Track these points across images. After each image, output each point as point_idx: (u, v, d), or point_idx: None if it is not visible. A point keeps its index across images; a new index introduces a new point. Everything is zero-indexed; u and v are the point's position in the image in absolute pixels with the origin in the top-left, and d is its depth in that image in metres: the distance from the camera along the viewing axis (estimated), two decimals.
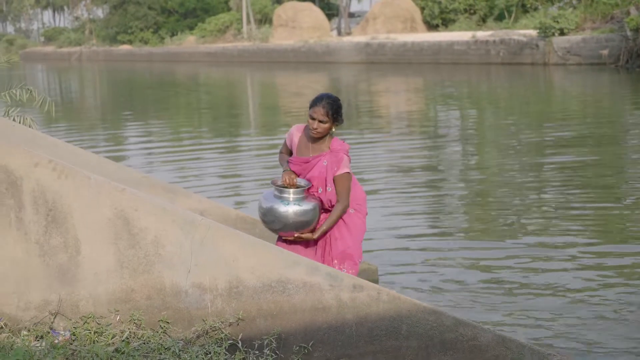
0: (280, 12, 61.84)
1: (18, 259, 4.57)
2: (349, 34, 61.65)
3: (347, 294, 4.78)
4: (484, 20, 52.17)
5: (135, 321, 4.65)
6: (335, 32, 65.17)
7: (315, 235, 5.62)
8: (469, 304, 6.51)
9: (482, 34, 42.51)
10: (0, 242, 4.55)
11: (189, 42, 72.03)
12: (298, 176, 5.70)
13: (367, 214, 5.85)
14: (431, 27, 55.85)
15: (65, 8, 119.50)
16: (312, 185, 5.65)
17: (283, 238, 5.73)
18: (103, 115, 27.20)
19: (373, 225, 9.02)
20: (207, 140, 18.57)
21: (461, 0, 53.38)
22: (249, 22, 66.88)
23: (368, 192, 11.11)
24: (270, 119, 23.31)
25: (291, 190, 5.61)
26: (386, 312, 4.75)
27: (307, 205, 5.59)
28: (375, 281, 6.81)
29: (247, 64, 55.80)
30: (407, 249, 8.26)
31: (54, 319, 4.60)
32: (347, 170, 5.61)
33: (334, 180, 5.61)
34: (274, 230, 5.69)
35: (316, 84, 34.76)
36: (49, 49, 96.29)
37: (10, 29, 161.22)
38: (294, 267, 4.82)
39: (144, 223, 4.67)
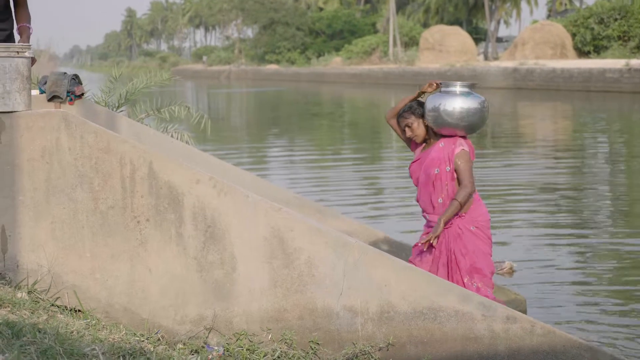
0: (428, 35, 61.78)
1: (177, 274, 4.68)
2: (496, 58, 60.96)
3: (500, 325, 4.68)
4: (639, 48, 50.58)
5: (287, 341, 4.69)
6: (482, 57, 64.58)
7: (442, 223, 5.32)
8: (625, 340, 6.26)
9: (636, 62, 41.20)
10: (160, 256, 4.66)
11: (335, 63, 72.85)
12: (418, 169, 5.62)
13: (490, 239, 5.64)
14: (582, 53, 54.56)
15: (217, 27, 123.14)
16: (432, 166, 5.50)
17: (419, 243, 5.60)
18: (249, 132, 27.76)
19: (518, 252, 8.85)
20: (350, 159, 18.66)
21: (615, 27, 51.97)
22: (395, 44, 67.12)
23: (511, 215, 10.99)
24: None
25: (458, 82, 5.45)
26: (540, 347, 4.63)
27: (473, 102, 5.38)
28: (524, 312, 6.63)
29: (392, 86, 55.88)
30: (555, 278, 8.02)
31: (208, 334, 4.68)
32: (464, 148, 5.44)
33: (454, 163, 5.43)
34: (444, 127, 5.47)
35: None
36: (199, 66, 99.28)
37: (164, 46, 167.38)
38: (446, 294, 4.76)
39: (299, 243, 4.71)
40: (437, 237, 5.35)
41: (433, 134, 5.62)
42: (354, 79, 63.45)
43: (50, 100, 6.79)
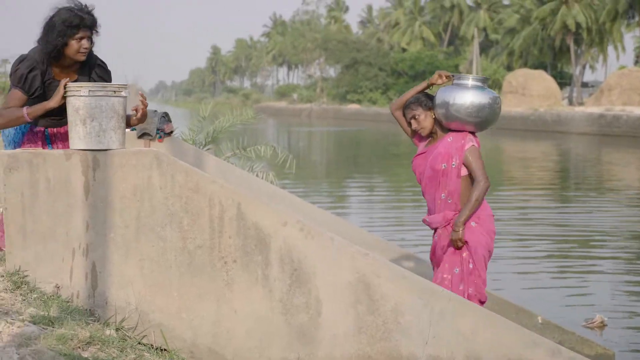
0: (511, 79, 61.28)
1: (262, 315, 4.67)
2: (581, 104, 60.14)
3: None
4: None
5: None
6: (566, 102, 63.76)
7: (460, 224, 5.32)
8: None
9: None
10: (247, 297, 4.66)
11: None
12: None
13: (494, 232, 5.55)
14: None
15: (300, 66, 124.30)
16: (438, 160, 5.42)
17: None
18: (329, 171, 27.82)
19: (603, 302, 8.60)
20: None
21: None
22: None
23: (594, 262, 10.72)
24: (492, 182, 22.97)
25: (470, 76, 5.34)
26: None
27: (485, 97, 5.28)
28: None
29: None
30: None
31: None
32: (473, 144, 5.38)
33: (464, 159, 5.37)
34: (453, 122, 5.37)
35: (542, 151, 34.00)
36: (281, 104, 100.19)
37: (247, 83, 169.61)
38: (534, 347, 4.65)
39: (385, 290, 4.66)
40: (461, 239, 5.36)
41: (440, 128, 5.53)
42: None
43: (140, 137, 6.91)
